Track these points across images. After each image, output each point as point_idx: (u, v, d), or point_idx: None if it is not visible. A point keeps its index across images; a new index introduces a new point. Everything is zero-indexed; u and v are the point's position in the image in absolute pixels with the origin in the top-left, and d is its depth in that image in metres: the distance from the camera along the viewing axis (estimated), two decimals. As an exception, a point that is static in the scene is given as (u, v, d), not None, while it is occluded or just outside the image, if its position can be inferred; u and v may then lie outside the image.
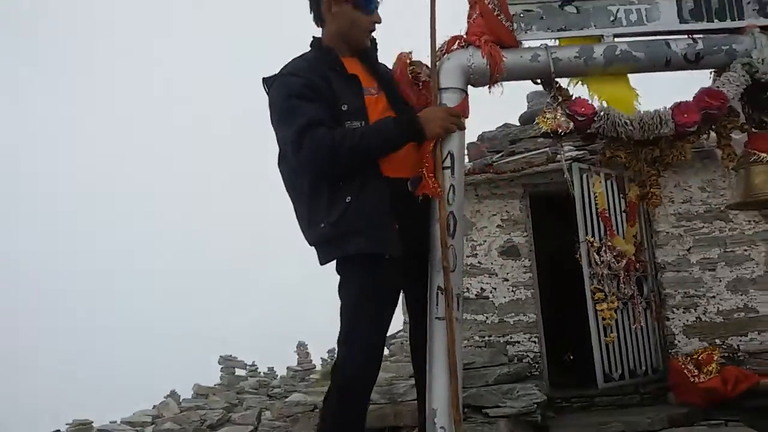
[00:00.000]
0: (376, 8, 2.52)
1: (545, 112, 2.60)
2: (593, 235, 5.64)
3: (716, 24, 2.62)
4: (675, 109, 2.51)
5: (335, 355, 2.42)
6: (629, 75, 2.67)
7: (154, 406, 16.78)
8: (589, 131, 2.61)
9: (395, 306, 2.42)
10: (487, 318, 6.34)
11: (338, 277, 2.40)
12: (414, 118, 2.33)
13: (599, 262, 5.53)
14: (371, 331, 2.27)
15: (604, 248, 5.62)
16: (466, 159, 7.00)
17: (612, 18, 2.67)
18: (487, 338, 6.29)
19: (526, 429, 4.95)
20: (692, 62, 2.57)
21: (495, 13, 2.59)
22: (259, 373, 20.78)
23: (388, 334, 2.53)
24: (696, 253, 6.03)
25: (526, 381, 5.67)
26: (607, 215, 5.72)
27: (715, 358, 5.35)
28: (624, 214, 5.93)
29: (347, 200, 2.24)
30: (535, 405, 4.98)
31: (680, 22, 2.64)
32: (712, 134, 2.68)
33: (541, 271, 6.91)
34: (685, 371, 5.25)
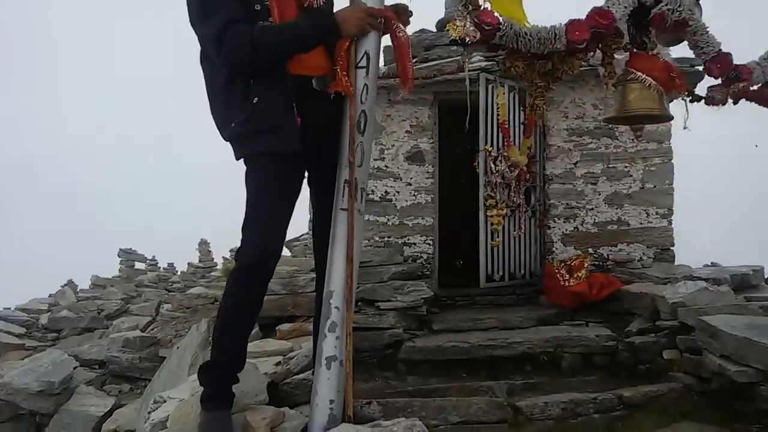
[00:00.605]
0: None
1: (455, 20, 2.71)
2: (492, 145, 5.92)
3: (615, -51, 2.78)
4: (568, 26, 2.68)
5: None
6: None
7: (51, 295, 16.43)
8: (493, 41, 2.75)
9: (296, 196, 2.54)
10: (388, 220, 6.61)
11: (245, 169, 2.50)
12: (331, 17, 2.37)
13: (494, 171, 5.86)
14: (272, 216, 2.40)
15: (500, 158, 5.93)
16: (382, 62, 7.03)
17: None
18: (386, 239, 6.59)
19: (412, 321, 5.35)
20: (589, -17, 2.74)
21: None
22: (159, 268, 20.66)
23: (292, 237, 2.65)
24: (582, 167, 6.49)
25: (417, 279, 6.06)
26: (507, 126, 5.99)
27: (586, 265, 5.90)
28: (522, 126, 6.24)
29: (254, 101, 2.31)
30: (422, 300, 5.39)
31: (584, -57, 2.78)
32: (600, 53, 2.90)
33: (445, 178, 7.23)
34: (557, 275, 5.77)
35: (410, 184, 6.59)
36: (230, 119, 2.38)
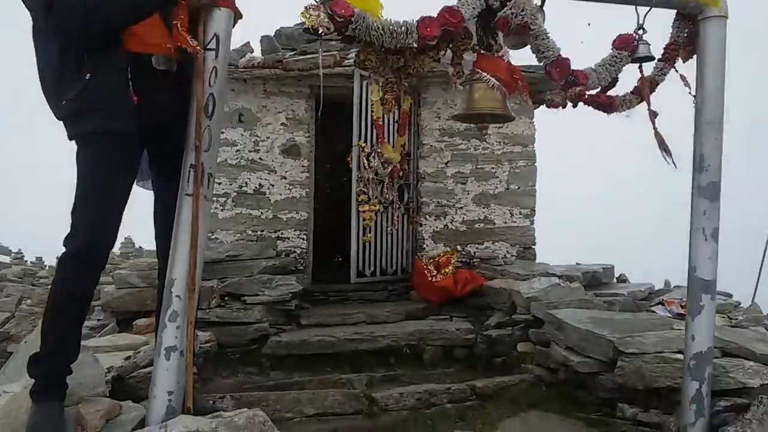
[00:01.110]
0: None
1: (309, 9, 2.69)
2: (366, 141, 5.98)
3: (468, -50, 2.88)
4: (420, 22, 2.73)
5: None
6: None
7: None
8: (346, 33, 2.76)
9: (131, 179, 2.44)
10: (262, 213, 6.50)
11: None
12: None
13: (367, 167, 5.92)
14: (103, 200, 2.28)
15: (373, 154, 6.00)
16: (259, 52, 6.90)
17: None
18: (259, 233, 6.48)
19: (279, 315, 5.29)
20: (441, -18, 2.82)
21: None
22: (26, 261, 19.21)
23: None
24: (452, 166, 6.71)
25: (290, 274, 6.03)
26: (381, 123, 6.07)
27: (452, 261, 6.10)
28: (396, 124, 6.35)
29: (87, 77, 2.21)
30: (290, 295, 5.33)
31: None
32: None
33: (322, 172, 7.21)
34: (425, 271, 5.94)
35: (285, 178, 6.52)
36: (61, 96, 2.28)
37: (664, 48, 3.27)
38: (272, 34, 7.13)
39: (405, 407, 3.93)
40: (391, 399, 3.98)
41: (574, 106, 3.11)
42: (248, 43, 7.09)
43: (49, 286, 2.40)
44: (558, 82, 2.96)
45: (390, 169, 6.20)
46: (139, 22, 2.29)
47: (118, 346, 3.94)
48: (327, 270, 7.11)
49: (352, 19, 2.69)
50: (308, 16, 2.66)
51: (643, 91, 3.15)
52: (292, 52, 6.76)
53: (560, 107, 3.08)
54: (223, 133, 6.46)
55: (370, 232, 6.00)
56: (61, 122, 2.36)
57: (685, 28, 3.22)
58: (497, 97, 2.87)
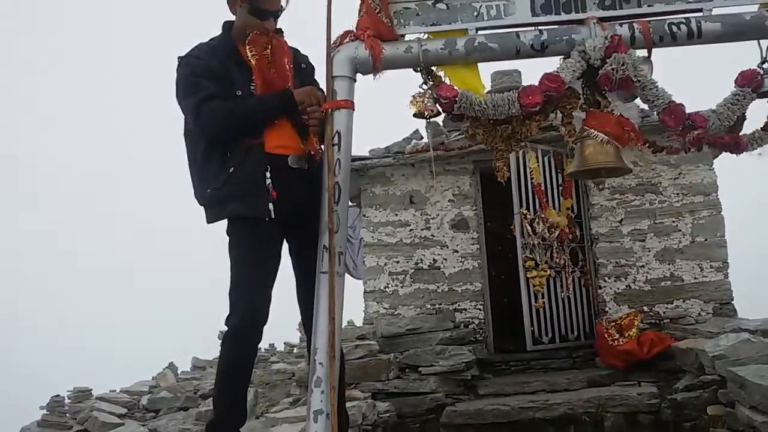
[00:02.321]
0: (271, 17, 2.94)
1: (416, 97, 3.02)
2: (527, 208, 6.05)
3: (563, 16, 3.01)
4: (521, 92, 2.90)
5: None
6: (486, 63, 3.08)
7: (153, 377, 17.38)
8: (454, 112, 3.02)
9: (277, 259, 2.86)
10: (438, 287, 6.79)
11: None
12: (290, 93, 2.78)
13: (531, 233, 5.95)
14: (252, 279, 2.72)
15: (537, 220, 6.03)
16: (426, 138, 7.42)
17: (475, 13, 3.06)
18: (438, 306, 6.75)
19: (454, 385, 5.42)
20: (539, 51, 2.96)
21: (376, 12, 3.02)
22: (260, 349, 21.30)
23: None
24: (627, 224, 6.44)
25: (468, 344, 6.16)
26: (542, 189, 6.12)
27: (636, 323, 5.76)
28: (560, 188, 6.33)
29: (231, 170, 2.69)
30: (464, 364, 5.45)
31: (532, 15, 3.02)
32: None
33: (488, 242, 7.35)
34: (607, 335, 5.67)
35: (456, 251, 6.77)
36: (206, 186, 2.74)
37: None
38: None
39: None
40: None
41: (699, 149, 2.98)
42: (417, 130, 7.67)
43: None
44: (674, 129, 2.89)
45: (557, 233, 6.15)
46: (269, 125, 2.77)
47: (302, 416, 4.38)
48: (509, 339, 7.09)
49: (456, 99, 2.96)
50: (415, 103, 2.99)
51: (782, 122, 2.93)
52: (457, 133, 7.16)
53: (683, 152, 2.97)
54: (397, 215, 7.01)
55: (543, 298, 5.94)
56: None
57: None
58: (609, 151, 2.88)
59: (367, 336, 6.21)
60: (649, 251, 6.36)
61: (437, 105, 2.97)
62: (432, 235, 6.88)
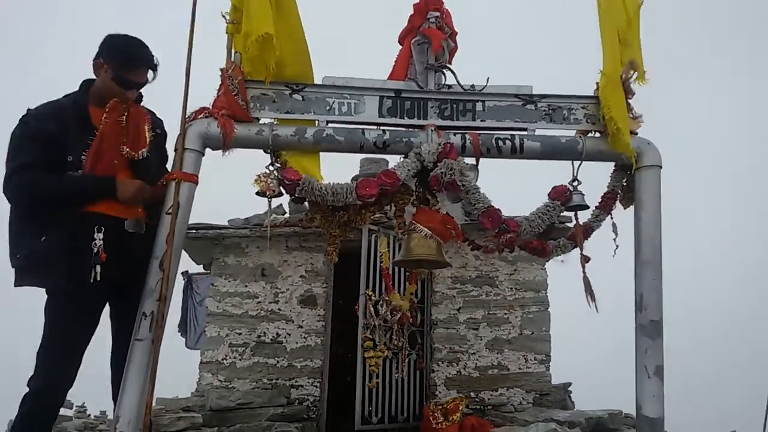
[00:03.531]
0: (135, 88, 3.00)
1: (261, 176, 3.17)
2: (374, 290, 6.29)
3: (406, 120, 3.35)
4: (359, 183, 3.16)
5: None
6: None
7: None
8: (295, 195, 3.20)
9: (93, 323, 2.80)
10: (277, 361, 6.75)
11: None
12: (112, 182, 2.79)
13: (374, 314, 6.17)
14: (59, 346, 2.65)
15: (381, 302, 6.28)
16: (288, 212, 7.53)
17: (328, 107, 3.32)
18: (274, 380, 6.68)
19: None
20: (380, 148, 3.26)
21: (233, 93, 3.19)
22: (89, 415, 19.50)
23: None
24: (464, 312, 6.87)
25: (300, 422, 6.14)
26: (389, 273, 6.39)
27: (461, 407, 6.04)
28: (406, 274, 6.64)
29: (42, 238, 2.64)
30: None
31: (379, 116, 3.34)
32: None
33: (339, 320, 7.48)
34: (431, 417, 5.90)
35: (301, 326, 6.82)
36: (16, 251, 2.68)
37: (602, 197, 3.54)
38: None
39: None
40: None
41: (511, 250, 3.37)
42: (281, 205, 7.77)
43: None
44: (491, 230, 3.25)
45: (399, 316, 6.42)
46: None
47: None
48: (346, 418, 7.11)
49: (300, 182, 3.14)
50: (259, 182, 3.13)
51: (577, 237, 3.40)
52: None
53: (497, 252, 3.34)
54: (246, 286, 6.98)
55: (377, 378, 6.10)
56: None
57: (623, 177, 3.51)
58: (431, 245, 3.18)
59: (193, 408, 6.01)
60: (482, 339, 6.79)
61: (281, 186, 3.15)
62: (279, 309, 6.90)
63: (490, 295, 6.95)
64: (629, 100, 3.40)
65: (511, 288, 6.98)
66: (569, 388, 7.51)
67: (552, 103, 3.38)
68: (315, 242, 7.06)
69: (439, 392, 6.59)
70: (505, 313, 6.89)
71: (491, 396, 6.59)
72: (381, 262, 6.43)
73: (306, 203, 3.31)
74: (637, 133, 3.40)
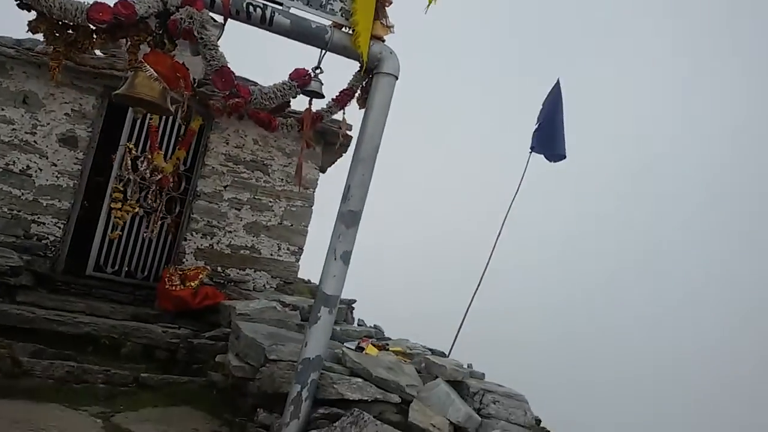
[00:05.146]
0: None
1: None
2: (137, 145, 6.13)
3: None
4: (92, 6, 3.04)
5: None
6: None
7: None
8: (25, 2, 3.00)
9: None
10: (23, 194, 6.38)
11: None
12: None
13: (131, 169, 6.05)
14: None
15: (143, 159, 6.16)
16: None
17: None
18: (15, 212, 6.33)
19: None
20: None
21: None
22: None
23: None
24: (231, 192, 6.98)
25: (33, 256, 5.93)
26: (157, 132, 6.25)
27: (201, 276, 6.19)
28: (179, 139, 6.55)
29: None
30: (9, 268, 5.25)
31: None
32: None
33: (96, 170, 7.19)
34: (167, 280, 6.03)
35: (56, 165, 6.47)
36: None
37: (340, 92, 3.78)
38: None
39: (52, 376, 3.97)
40: (38, 366, 4.01)
41: (240, 117, 3.50)
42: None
43: None
44: (221, 91, 3.34)
45: (159, 177, 6.35)
46: None
47: None
48: (82, 264, 6.99)
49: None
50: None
51: (305, 120, 3.61)
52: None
53: (223, 115, 3.46)
54: (2, 110, 6.42)
55: (119, 231, 6.06)
56: None
57: (364, 79, 3.76)
58: (155, 87, 3.20)
59: None
60: (241, 220, 6.98)
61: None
62: (35, 141, 6.45)
63: (260, 181, 7.11)
64: (386, 7, 3.61)
65: (282, 179, 7.19)
66: (353, 305, 7.88)
67: (313, -13, 3.48)
68: (89, 83, 6.62)
69: (187, 260, 6.70)
70: (270, 201, 7.12)
71: (237, 274, 6.87)
72: (150, 118, 6.26)
73: (33, 12, 3.13)
74: (384, 40, 3.65)
